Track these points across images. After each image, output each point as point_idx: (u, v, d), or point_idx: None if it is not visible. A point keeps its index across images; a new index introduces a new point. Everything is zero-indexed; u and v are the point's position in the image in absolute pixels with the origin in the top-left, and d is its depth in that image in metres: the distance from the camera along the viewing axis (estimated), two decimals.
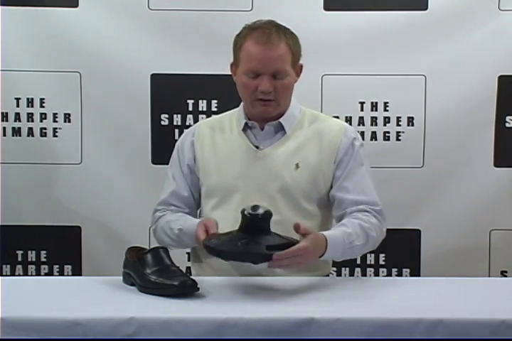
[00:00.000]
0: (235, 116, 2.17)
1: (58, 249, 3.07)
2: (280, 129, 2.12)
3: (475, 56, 2.96)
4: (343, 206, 2.10)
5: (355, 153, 2.12)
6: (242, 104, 2.17)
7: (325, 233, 1.93)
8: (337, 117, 2.86)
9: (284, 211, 2.07)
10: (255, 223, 1.78)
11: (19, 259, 3.09)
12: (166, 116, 3.03)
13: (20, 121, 3.01)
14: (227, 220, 1.99)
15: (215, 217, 2.06)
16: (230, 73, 2.99)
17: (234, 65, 2.14)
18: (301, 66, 2.11)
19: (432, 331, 1.55)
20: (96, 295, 1.77)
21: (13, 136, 3.02)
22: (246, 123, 2.12)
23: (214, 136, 2.16)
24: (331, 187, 2.12)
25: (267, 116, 2.10)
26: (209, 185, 2.13)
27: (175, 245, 2.12)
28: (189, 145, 2.18)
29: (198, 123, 2.31)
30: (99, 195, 3.04)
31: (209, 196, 2.13)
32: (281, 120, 2.11)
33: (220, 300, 1.73)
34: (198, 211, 2.24)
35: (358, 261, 3.05)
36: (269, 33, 2.02)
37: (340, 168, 2.11)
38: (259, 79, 2.03)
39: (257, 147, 2.11)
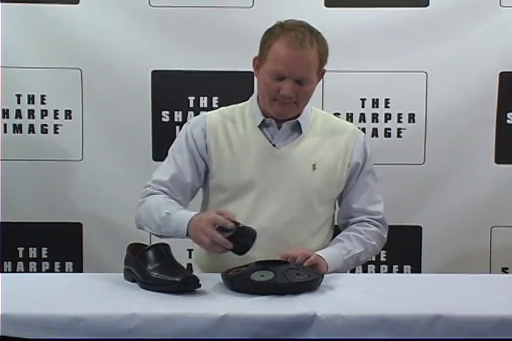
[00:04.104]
0: (247, 111, 2.14)
1: (59, 245, 3.07)
2: (296, 128, 2.11)
3: (476, 52, 2.96)
4: (349, 214, 2.18)
5: (367, 160, 2.17)
6: (253, 98, 2.15)
7: (319, 252, 2.01)
8: (338, 114, 2.87)
9: (296, 212, 2.08)
10: None
11: (20, 256, 3.09)
12: (167, 112, 3.03)
13: (21, 117, 3.02)
14: (240, 216, 1.97)
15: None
16: (230, 70, 3.01)
17: (258, 60, 2.07)
18: (324, 71, 2.08)
19: (432, 326, 1.56)
20: (97, 292, 1.77)
21: (14, 132, 3.02)
22: (263, 120, 2.10)
23: (227, 129, 2.12)
24: (342, 190, 2.16)
25: (282, 117, 2.09)
26: (222, 179, 2.10)
27: (152, 228, 2.01)
28: (201, 134, 2.12)
29: (205, 113, 2.22)
30: (100, 191, 3.03)
31: (220, 190, 2.11)
32: (299, 119, 2.10)
33: (222, 296, 1.73)
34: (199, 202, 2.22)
35: None
36: (303, 38, 1.98)
37: (353, 175, 2.15)
38: (282, 82, 2.00)
39: (273, 145, 2.10)
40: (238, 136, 2.10)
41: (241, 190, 2.08)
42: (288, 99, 2.02)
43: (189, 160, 2.11)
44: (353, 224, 2.17)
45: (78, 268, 3.07)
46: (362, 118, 3.00)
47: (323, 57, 2.03)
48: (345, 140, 2.14)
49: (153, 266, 1.80)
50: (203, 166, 2.12)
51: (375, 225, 2.17)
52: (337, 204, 2.23)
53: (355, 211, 2.17)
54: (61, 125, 3.02)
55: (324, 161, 2.10)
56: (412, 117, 3.01)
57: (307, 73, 2.01)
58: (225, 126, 2.12)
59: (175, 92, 3.02)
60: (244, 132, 2.11)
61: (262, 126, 2.11)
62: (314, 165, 2.09)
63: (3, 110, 3.00)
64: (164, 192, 2.08)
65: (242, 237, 1.81)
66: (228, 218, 1.83)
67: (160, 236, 2.03)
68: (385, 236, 2.20)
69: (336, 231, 2.23)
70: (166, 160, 2.16)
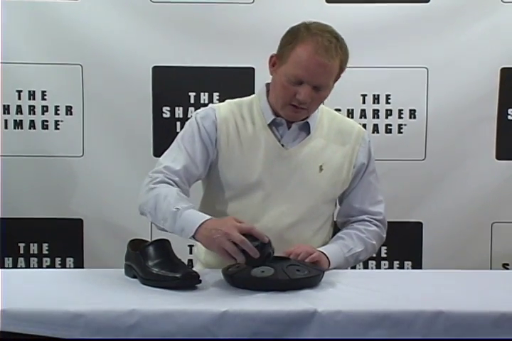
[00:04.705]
0: (255, 107, 2.10)
1: (60, 241, 3.07)
2: (305, 128, 2.10)
3: (477, 48, 2.95)
4: (350, 213, 2.18)
5: (371, 159, 2.17)
6: (261, 94, 2.12)
7: (322, 249, 2.00)
8: (339, 110, 2.87)
9: (302, 213, 2.08)
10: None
11: (21, 252, 3.09)
12: (168, 108, 3.03)
13: (21, 113, 3.02)
14: (245, 215, 1.95)
15: (232, 210, 2.06)
16: (231, 65, 3.00)
17: (277, 59, 2.03)
18: (340, 76, 2.06)
19: (433, 322, 1.56)
20: (98, 288, 1.77)
21: (14, 128, 3.02)
22: (274, 119, 2.08)
23: (237, 125, 2.08)
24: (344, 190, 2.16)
25: (293, 120, 2.08)
26: (230, 176, 2.07)
27: (156, 219, 1.94)
28: (212, 127, 2.07)
29: (212, 105, 2.16)
30: (101, 187, 3.03)
31: (227, 187, 2.08)
32: (308, 120, 2.09)
33: (223, 292, 1.73)
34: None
35: None
36: (329, 46, 1.95)
37: (357, 175, 2.14)
38: (300, 87, 1.97)
39: (281, 145, 2.08)
40: (247, 134, 2.08)
41: (248, 189, 2.06)
42: (302, 104, 2.00)
43: (201, 150, 2.06)
44: (353, 222, 2.17)
45: (79, 264, 3.07)
46: (363, 114, 3.00)
47: (343, 64, 2.02)
48: (351, 141, 2.13)
49: (153, 262, 1.80)
50: (212, 158, 2.08)
51: (376, 225, 2.16)
52: (337, 202, 2.22)
53: (356, 211, 2.17)
54: (62, 121, 3.02)
55: (331, 162, 2.09)
56: (413, 113, 3.00)
57: (326, 81, 1.99)
58: (235, 122, 2.09)
59: (176, 88, 3.02)
60: (254, 130, 2.08)
61: (272, 124, 2.09)
62: (321, 166, 2.08)
63: (3, 106, 3.00)
64: (176, 183, 2.01)
65: (261, 252, 1.77)
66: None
67: (161, 229, 1.96)
68: (384, 236, 2.20)
69: (335, 228, 2.22)
70: (174, 146, 2.10)
